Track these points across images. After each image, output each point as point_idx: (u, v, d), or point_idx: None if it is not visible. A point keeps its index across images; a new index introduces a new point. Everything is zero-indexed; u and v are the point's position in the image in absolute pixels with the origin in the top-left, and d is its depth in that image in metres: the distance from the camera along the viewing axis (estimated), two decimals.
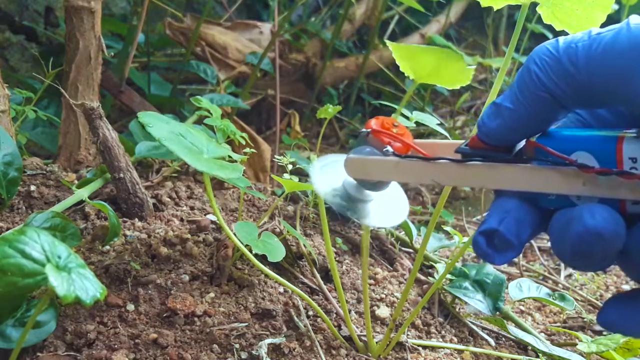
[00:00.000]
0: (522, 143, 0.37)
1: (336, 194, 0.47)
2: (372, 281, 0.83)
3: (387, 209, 0.48)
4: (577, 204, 0.34)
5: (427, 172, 0.40)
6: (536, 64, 0.33)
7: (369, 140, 0.43)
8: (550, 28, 2.32)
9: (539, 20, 2.11)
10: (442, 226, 1.03)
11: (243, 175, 0.84)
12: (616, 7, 1.62)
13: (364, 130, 0.43)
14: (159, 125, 0.62)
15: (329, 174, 0.48)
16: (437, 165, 0.39)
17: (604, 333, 0.87)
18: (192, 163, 0.58)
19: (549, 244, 1.26)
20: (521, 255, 1.21)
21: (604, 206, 0.32)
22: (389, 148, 0.41)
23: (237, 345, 0.62)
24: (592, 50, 0.31)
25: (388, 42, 0.69)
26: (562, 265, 1.18)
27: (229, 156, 0.69)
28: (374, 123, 0.43)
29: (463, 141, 0.39)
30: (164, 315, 0.65)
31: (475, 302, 0.77)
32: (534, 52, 0.33)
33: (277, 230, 0.84)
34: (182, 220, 0.84)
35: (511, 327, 0.77)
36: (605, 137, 0.33)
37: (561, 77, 0.32)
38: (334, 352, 0.66)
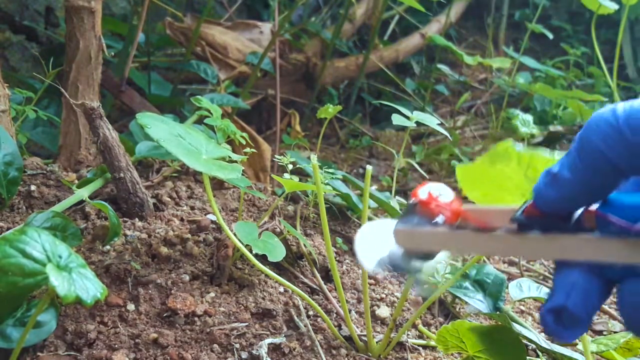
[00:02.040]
0: (580, 210, 0.36)
1: (382, 263, 0.46)
2: (372, 281, 0.83)
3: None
4: None
5: (484, 244, 0.39)
6: (596, 134, 0.32)
7: (417, 210, 0.42)
8: (550, 28, 2.32)
9: (539, 20, 2.11)
10: None
11: (243, 175, 0.84)
12: (616, 7, 1.62)
13: (412, 200, 0.43)
14: (158, 126, 0.62)
15: (373, 243, 0.47)
16: (493, 238, 0.38)
17: (604, 333, 0.87)
18: (190, 164, 0.58)
19: None
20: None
21: None
22: (440, 218, 0.40)
23: (237, 345, 0.62)
24: None
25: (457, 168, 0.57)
26: None
27: (229, 156, 0.69)
28: (421, 193, 0.42)
29: (517, 208, 0.38)
30: (164, 315, 0.65)
31: (476, 301, 0.77)
32: (591, 121, 0.33)
33: (277, 230, 0.84)
34: (182, 220, 0.84)
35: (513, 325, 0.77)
36: None
37: (624, 148, 0.32)
38: (334, 351, 0.66)
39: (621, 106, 0.32)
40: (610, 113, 0.32)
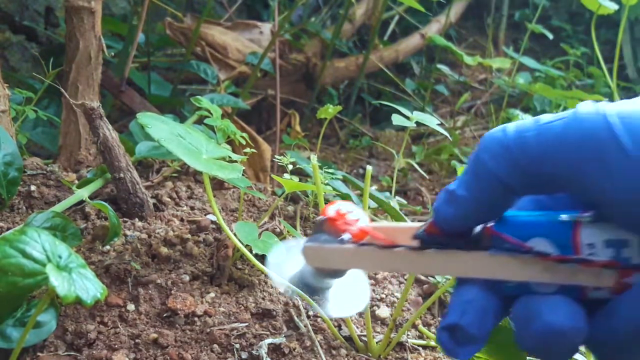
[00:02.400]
0: (479, 228, 0.36)
1: (294, 283, 0.47)
2: (372, 281, 0.83)
3: (346, 296, 0.47)
4: (537, 290, 0.34)
5: (385, 261, 0.39)
6: (487, 152, 0.33)
7: (325, 227, 0.42)
8: (550, 28, 2.32)
9: (539, 20, 2.11)
10: None
11: (243, 175, 0.84)
12: (616, 7, 1.62)
13: (319, 217, 0.43)
14: (158, 126, 0.62)
15: (286, 262, 0.47)
16: (395, 254, 0.38)
17: None
18: (191, 163, 0.58)
19: None
20: None
21: (565, 299, 0.32)
22: (345, 236, 0.41)
23: (237, 345, 0.62)
24: (541, 140, 0.31)
25: None
26: None
27: (229, 156, 0.69)
28: (329, 210, 0.43)
29: (420, 225, 0.38)
30: (164, 315, 0.65)
31: None
32: (484, 140, 0.33)
33: (277, 230, 0.84)
34: (182, 220, 0.84)
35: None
36: (560, 222, 0.33)
37: (512, 166, 0.32)
38: (334, 352, 0.66)
39: (511, 126, 0.33)
40: (500, 132, 0.33)
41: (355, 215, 0.42)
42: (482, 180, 0.33)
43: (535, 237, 0.34)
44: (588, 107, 0.31)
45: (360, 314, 0.74)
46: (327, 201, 1.00)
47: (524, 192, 0.34)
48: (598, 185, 0.30)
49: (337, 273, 0.45)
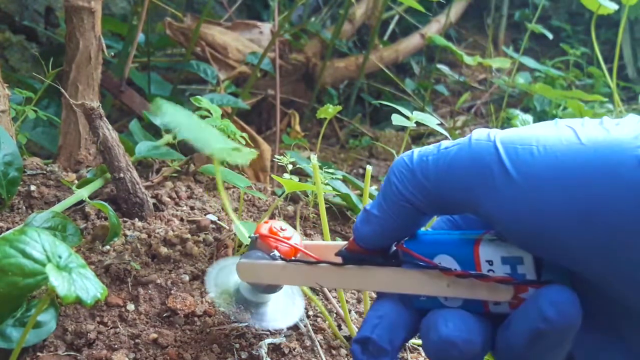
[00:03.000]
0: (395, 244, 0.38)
1: (231, 299, 0.49)
2: None
3: (283, 309, 0.50)
4: (446, 304, 0.36)
5: (311, 276, 0.41)
6: (395, 175, 0.35)
7: (258, 244, 0.44)
8: (550, 28, 2.32)
9: (539, 20, 2.11)
10: None
11: (243, 175, 0.84)
12: (616, 7, 1.62)
13: (253, 235, 0.45)
14: (174, 113, 0.61)
15: (224, 279, 0.49)
16: (319, 269, 0.40)
17: None
18: (209, 150, 0.58)
19: None
20: None
21: (462, 314, 0.34)
22: (276, 252, 0.43)
23: (237, 345, 0.62)
24: (439, 164, 0.33)
25: None
26: None
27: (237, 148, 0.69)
28: (262, 228, 0.45)
29: (345, 244, 0.40)
30: (164, 315, 0.65)
31: None
32: (394, 164, 0.36)
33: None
34: (182, 220, 0.84)
35: None
36: (464, 241, 0.35)
37: (416, 188, 0.34)
38: (334, 352, 0.66)
39: (417, 151, 0.35)
40: (408, 157, 0.35)
41: (288, 233, 0.44)
42: (391, 202, 0.36)
43: (441, 254, 0.36)
44: (480, 134, 0.33)
45: (361, 314, 0.74)
46: (327, 202, 1.00)
47: (431, 212, 0.36)
48: (486, 208, 0.32)
49: (271, 288, 0.47)
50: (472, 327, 0.34)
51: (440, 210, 0.36)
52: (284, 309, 0.50)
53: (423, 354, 0.70)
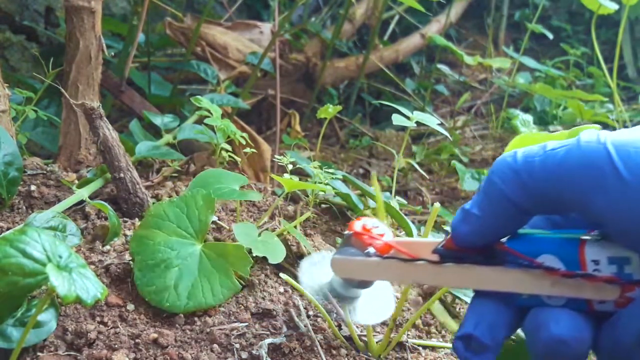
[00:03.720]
0: (495, 243, 0.39)
1: (324, 292, 0.51)
2: None
3: (373, 305, 0.51)
4: (548, 303, 0.37)
5: (407, 273, 0.42)
6: (498, 175, 0.36)
7: (352, 241, 0.45)
8: (550, 28, 2.32)
9: (539, 20, 2.11)
10: (443, 226, 1.03)
11: (243, 175, 0.84)
12: (616, 7, 1.62)
13: (347, 232, 0.46)
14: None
15: (317, 272, 0.51)
16: (416, 267, 0.41)
17: None
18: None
19: None
20: None
21: (570, 312, 0.35)
22: (371, 249, 0.44)
23: (237, 345, 0.62)
24: (546, 165, 0.34)
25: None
26: None
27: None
28: (356, 225, 0.46)
29: (440, 241, 0.41)
30: (164, 315, 0.65)
31: None
32: (495, 164, 0.36)
33: (277, 230, 0.84)
34: None
35: None
36: (568, 240, 0.36)
37: (521, 189, 0.35)
38: (334, 352, 0.66)
39: (520, 151, 0.36)
40: (511, 157, 0.36)
41: (381, 230, 0.45)
42: (494, 202, 0.36)
43: (545, 253, 0.36)
44: (590, 136, 0.33)
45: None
46: (327, 202, 1.00)
47: (534, 212, 0.36)
48: (597, 208, 0.32)
49: (364, 284, 0.48)
50: (582, 326, 0.34)
51: (545, 210, 0.36)
52: (376, 304, 0.51)
53: (423, 354, 0.70)
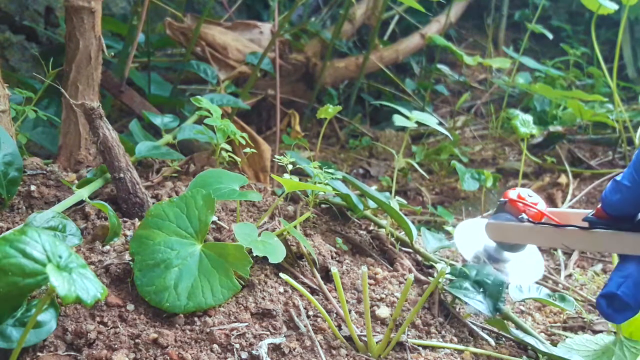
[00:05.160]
0: None
1: (478, 255, 0.55)
2: (372, 281, 0.83)
3: (523, 268, 0.55)
4: None
5: (558, 238, 0.46)
6: None
7: (507, 208, 0.49)
8: (550, 28, 2.32)
9: (539, 20, 2.11)
10: (443, 226, 1.03)
11: (243, 175, 0.84)
12: (616, 7, 1.62)
13: (502, 199, 0.50)
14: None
15: (471, 238, 0.56)
16: (566, 232, 0.44)
17: (604, 333, 0.87)
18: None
19: None
20: None
21: None
22: (524, 215, 0.48)
23: (237, 345, 0.62)
24: None
25: None
26: (562, 265, 1.19)
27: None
28: (511, 193, 0.50)
29: (590, 211, 0.44)
30: (164, 315, 0.65)
31: (476, 302, 0.77)
32: None
33: (277, 230, 0.84)
34: None
35: (511, 328, 0.77)
36: None
37: None
38: (334, 352, 0.66)
39: None
40: None
41: (534, 199, 0.49)
42: None
43: None
44: None
45: (361, 314, 0.74)
46: (327, 202, 1.00)
47: None
48: None
49: (516, 247, 0.52)
50: None
51: None
52: (526, 267, 0.55)
53: (423, 354, 0.70)
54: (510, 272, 0.56)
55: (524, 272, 0.57)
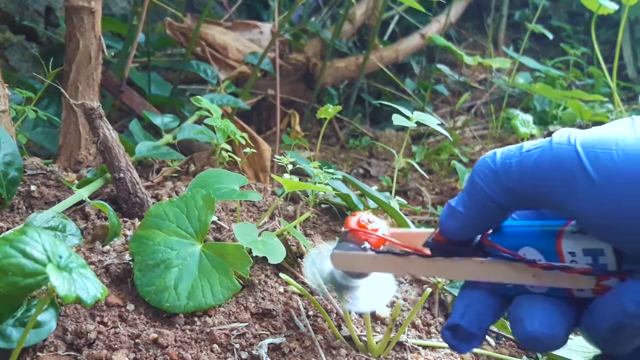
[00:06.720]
0: (479, 237, 0.42)
1: (326, 282, 0.55)
2: None
3: (372, 293, 0.54)
4: (532, 291, 0.39)
5: (400, 266, 0.45)
6: (479, 176, 0.38)
7: (349, 237, 0.49)
8: (550, 28, 2.32)
9: (539, 20, 2.11)
10: None
11: (243, 175, 0.84)
12: (616, 7, 1.62)
13: (344, 229, 0.49)
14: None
15: (319, 265, 0.56)
16: (408, 260, 0.44)
17: None
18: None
19: None
20: None
21: (544, 306, 0.38)
22: (367, 244, 0.47)
23: (237, 345, 0.62)
24: (522, 166, 0.36)
25: None
26: None
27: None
28: (351, 221, 0.49)
29: (430, 232, 0.44)
30: (164, 315, 0.65)
31: None
32: (476, 165, 0.39)
33: (277, 230, 0.84)
34: None
35: None
36: (546, 233, 0.38)
37: (500, 188, 0.37)
38: (334, 352, 0.66)
39: (499, 152, 0.38)
40: (490, 158, 0.38)
41: (375, 225, 0.49)
42: (475, 200, 0.39)
43: (525, 246, 0.39)
44: (561, 137, 0.35)
45: (360, 314, 0.74)
46: (327, 202, 1.00)
47: (514, 209, 0.39)
48: (570, 207, 0.35)
49: (362, 275, 0.52)
50: (556, 321, 0.37)
51: (523, 207, 0.39)
52: (375, 293, 0.55)
53: (423, 354, 0.70)
54: (360, 299, 0.56)
55: (372, 298, 0.56)
